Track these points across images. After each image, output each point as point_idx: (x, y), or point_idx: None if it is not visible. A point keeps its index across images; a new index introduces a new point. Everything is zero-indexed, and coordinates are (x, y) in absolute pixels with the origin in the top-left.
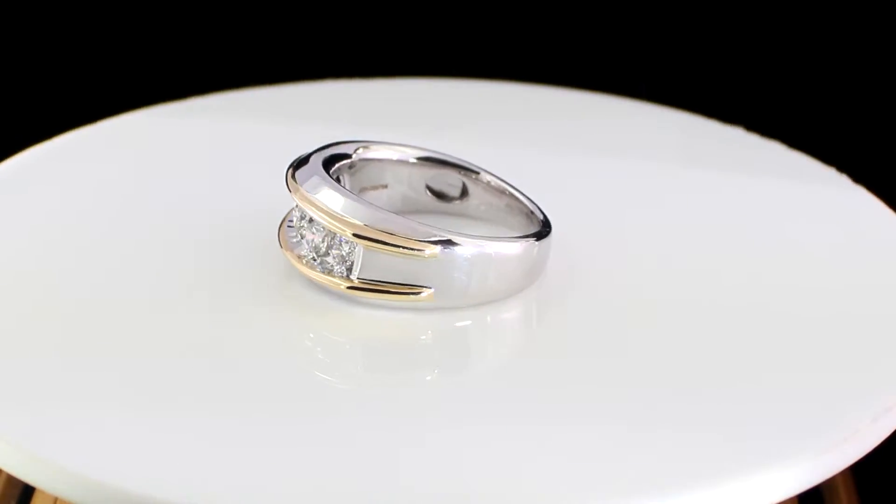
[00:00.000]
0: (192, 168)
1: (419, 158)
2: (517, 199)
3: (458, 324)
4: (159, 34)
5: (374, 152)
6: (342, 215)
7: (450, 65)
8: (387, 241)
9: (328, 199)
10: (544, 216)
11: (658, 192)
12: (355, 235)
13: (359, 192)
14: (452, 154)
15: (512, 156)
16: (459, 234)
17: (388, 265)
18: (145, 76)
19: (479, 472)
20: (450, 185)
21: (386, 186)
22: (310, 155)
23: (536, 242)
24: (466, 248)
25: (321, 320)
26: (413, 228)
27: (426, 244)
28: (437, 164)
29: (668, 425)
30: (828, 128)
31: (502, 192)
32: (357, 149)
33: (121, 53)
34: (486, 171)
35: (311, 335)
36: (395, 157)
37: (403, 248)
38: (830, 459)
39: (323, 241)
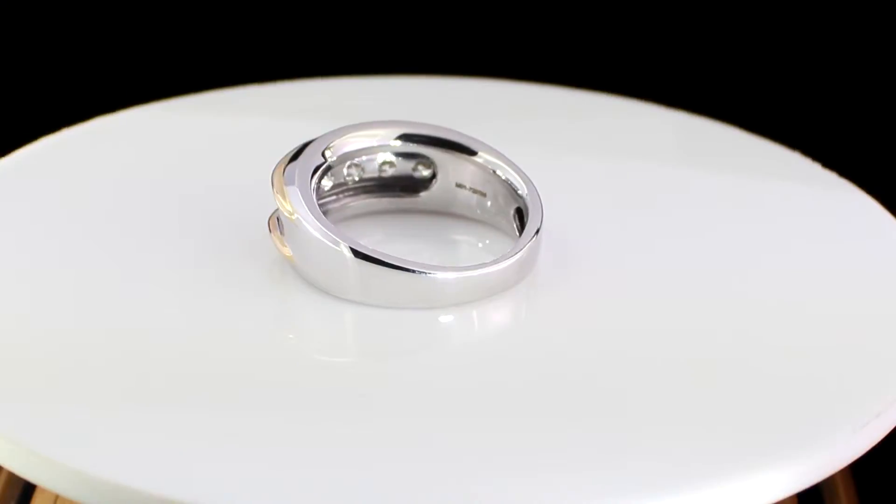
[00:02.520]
0: (202, 161)
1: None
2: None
3: (442, 318)
4: (160, 32)
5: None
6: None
7: (448, 63)
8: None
9: (294, 199)
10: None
11: (653, 190)
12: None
13: (455, 188)
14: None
15: (508, 153)
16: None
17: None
18: (145, 73)
19: (475, 471)
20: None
21: (484, 195)
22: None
23: (497, 265)
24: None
25: (309, 312)
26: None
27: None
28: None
29: (667, 425)
30: (825, 128)
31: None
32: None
33: (120, 51)
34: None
35: (299, 328)
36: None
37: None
38: (830, 459)
39: None
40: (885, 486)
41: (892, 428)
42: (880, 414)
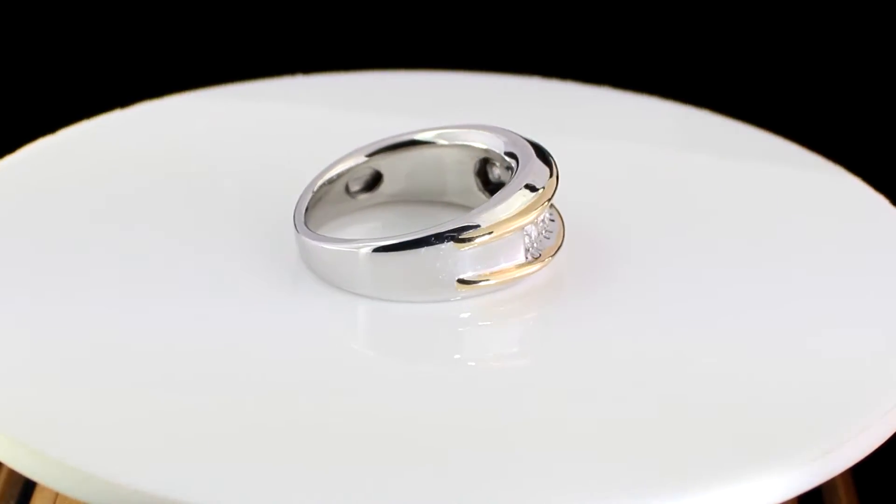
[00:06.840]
0: (234, 152)
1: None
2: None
3: (461, 315)
4: (200, 19)
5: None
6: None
7: (452, 59)
8: None
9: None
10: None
11: (651, 182)
12: None
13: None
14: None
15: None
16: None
17: None
18: (182, 61)
19: (475, 469)
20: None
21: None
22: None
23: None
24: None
25: (327, 311)
26: None
27: None
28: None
29: (668, 425)
30: (823, 119)
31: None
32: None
33: (163, 35)
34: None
35: (316, 326)
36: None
37: None
38: (830, 460)
39: None
40: (885, 487)
41: (893, 430)
42: (882, 415)
